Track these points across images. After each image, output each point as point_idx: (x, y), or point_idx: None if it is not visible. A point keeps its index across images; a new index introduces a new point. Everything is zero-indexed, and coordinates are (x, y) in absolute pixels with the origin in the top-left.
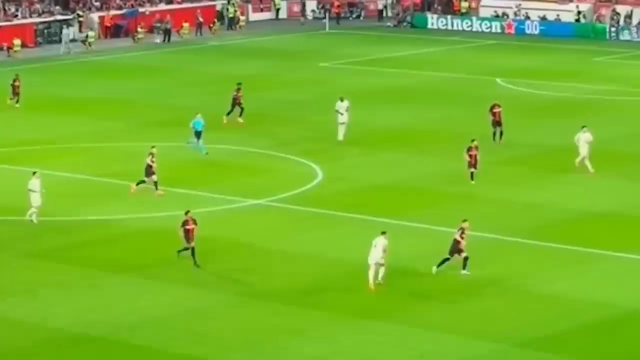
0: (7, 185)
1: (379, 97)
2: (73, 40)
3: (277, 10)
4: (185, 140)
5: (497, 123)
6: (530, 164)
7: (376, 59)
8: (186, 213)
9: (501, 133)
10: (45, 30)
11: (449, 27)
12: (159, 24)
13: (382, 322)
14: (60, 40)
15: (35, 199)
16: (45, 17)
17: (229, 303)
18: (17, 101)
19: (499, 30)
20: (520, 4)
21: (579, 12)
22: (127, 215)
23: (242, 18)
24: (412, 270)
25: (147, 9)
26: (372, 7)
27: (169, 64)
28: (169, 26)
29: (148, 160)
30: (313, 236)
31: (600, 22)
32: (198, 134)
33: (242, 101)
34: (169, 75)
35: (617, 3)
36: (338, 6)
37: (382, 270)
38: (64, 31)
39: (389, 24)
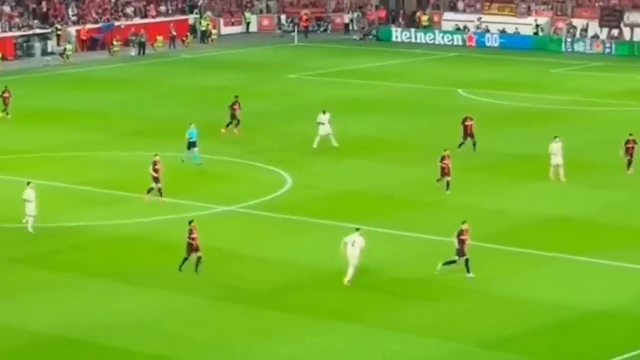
0: None
1: (346, 108)
2: (51, 53)
3: (248, 24)
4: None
5: (469, 135)
6: (492, 172)
7: (343, 71)
8: (190, 222)
9: (474, 144)
10: (25, 44)
11: (413, 40)
12: (134, 38)
13: (351, 324)
14: (41, 53)
15: (30, 208)
16: (24, 31)
17: (202, 306)
18: (7, 113)
19: (460, 43)
20: (481, 18)
21: (537, 26)
22: (104, 221)
23: (214, 32)
24: (379, 273)
25: (122, 23)
26: (338, 20)
27: (144, 76)
28: (143, 39)
29: (150, 170)
30: (283, 241)
31: (557, 35)
32: (192, 144)
33: (238, 113)
34: (144, 87)
35: (573, 17)
36: (306, 20)
37: (351, 271)
38: (36, 44)
39: (355, 37)
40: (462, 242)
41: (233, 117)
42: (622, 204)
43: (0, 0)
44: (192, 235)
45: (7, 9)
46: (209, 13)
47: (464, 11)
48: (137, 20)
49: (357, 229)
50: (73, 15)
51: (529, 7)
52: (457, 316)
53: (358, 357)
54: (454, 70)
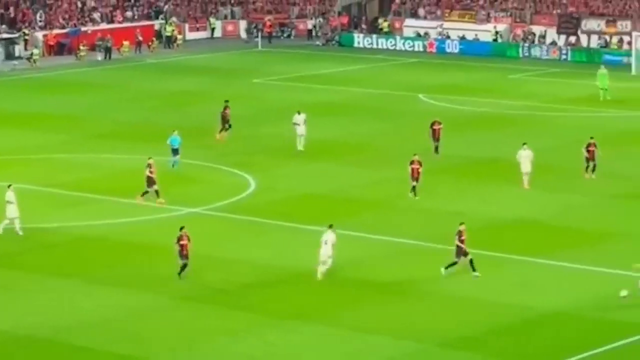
0: None
1: (309, 112)
2: (18, 58)
3: (212, 29)
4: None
5: (436, 139)
6: (453, 175)
7: (306, 76)
8: (181, 229)
9: (437, 147)
10: None
11: (375, 46)
12: (100, 42)
13: (312, 324)
14: (7, 58)
15: (11, 210)
16: None
17: (166, 305)
18: None
19: (421, 49)
20: (443, 24)
21: (496, 32)
22: (71, 223)
23: (179, 37)
24: (340, 274)
25: (89, 28)
26: (302, 26)
27: (110, 80)
28: (109, 44)
29: (147, 172)
30: (245, 243)
31: (515, 41)
32: (175, 151)
33: (229, 118)
34: (111, 91)
35: (532, 24)
36: (270, 26)
37: (324, 269)
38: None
39: (317, 42)
40: (462, 242)
41: (225, 122)
42: (579, 207)
43: None
44: (182, 242)
45: None
46: (174, 19)
47: (425, 18)
48: (104, 26)
49: (330, 226)
50: (40, 21)
51: (488, 14)
52: (417, 316)
53: (319, 356)
54: (414, 75)
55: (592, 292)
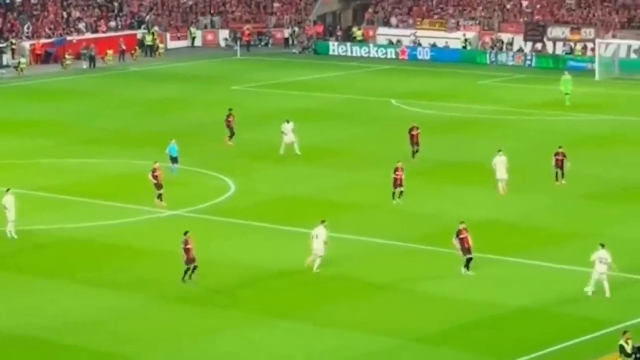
0: None
1: (288, 117)
2: (6, 66)
3: (193, 38)
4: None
5: (415, 143)
6: (424, 177)
7: (283, 83)
8: (185, 234)
9: (416, 152)
10: None
11: (349, 54)
12: (85, 51)
13: (291, 321)
14: None
15: (10, 214)
16: None
17: (151, 305)
18: None
19: (393, 56)
20: (416, 32)
21: (465, 40)
22: (57, 225)
23: (161, 46)
24: (319, 274)
25: (74, 37)
26: (279, 35)
27: (95, 88)
28: (93, 53)
29: (150, 176)
30: (226, 243)
31: (484, 48)
32: (174, 159)
33: (233, 125)
34: (95, 98)
35: (499, 31)
36: (248, 35)
37: (318, 261)
38: None
39: (294, 50)
40: (462, 240)
41: (229, 128)
42: (546, 208)
43: None
44: (187, 246)
45: None
46: (156, 28)
47: (397, 26)
48: (88, 35)
49: (323, 221)
50: (27, 30)
51: (457, 23)
52: (392, 313)
53: (299, 352)
54: (387, 81)
55: (558, 289)
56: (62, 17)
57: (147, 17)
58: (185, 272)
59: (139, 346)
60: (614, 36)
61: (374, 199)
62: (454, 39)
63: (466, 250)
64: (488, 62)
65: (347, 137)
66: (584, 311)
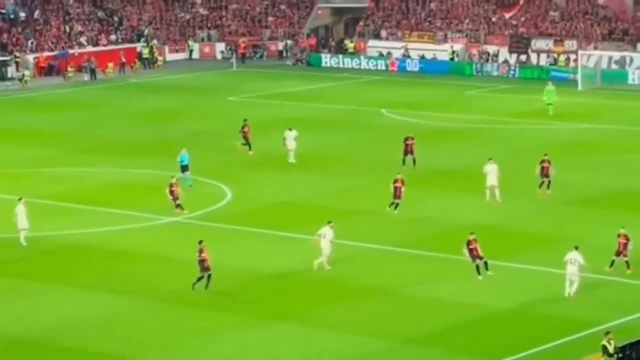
0: None
1: (281, 126)
2: (10, 79)
3: (191, 51)
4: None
5: (409, 152)
6: (414, 184)
7: (277, 93)
8: (200, 242)
9: (414, 160)
10: None
11: (341, 65)
12: (86, 64)
13: (286, 324)
14: (1, 79)
15: (22, 222)
16: None
17: (149, 308)
18: None
19: (383, 68)
20: (407, 45)
21: (453, 52)
22: (59, 231)
23: (160, 58)
24: (311, 277)
25: (76, 50)
26: (273, 48)
27: (96, 99)
28: (94, 66)
29: (167, 190)
30: (223, 248)
31: (471, 60)
32: (184, 167)
33: (249, 135)
34: (96, 109)
35: (485, 44)
36: (244, 47)
37: (322, 259)
38: None
39: (288, 62)
40: (471, 250)
41: (245, 139)
42: (531, 213)
43: None
44: (202, 255)
45: None
46: (155, 41)
47: (387, 39)
48: (90, 48)
49: (329, 222)
50: (31, 44)
51: (445, 35)
52: (382, 315)
53: (293, 353)
54: (378, 92)
55: (543, 292)
56: (65, 31)
57: (146, 30)
58: (199, 279)
59: (137, 348)
60: (595, 48)
61: (366, 205)
62: (442, 51)
63: (476, 257)
64: (475, 73)
65: (339, 146)
66: (567, 313)
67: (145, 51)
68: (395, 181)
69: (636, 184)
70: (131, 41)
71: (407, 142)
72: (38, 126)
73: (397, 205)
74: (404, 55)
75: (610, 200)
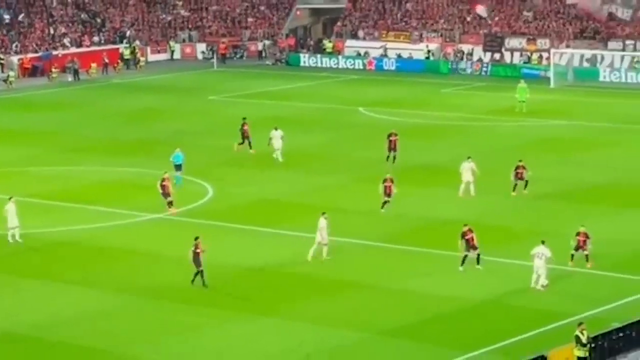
0: None
1: (262, 124)
2: None
3: (172, 52)
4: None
5: (392, 148)
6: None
7: (257, 93)
8: (196, 239)
9: (394, 157)
10: None
11: (319, 65)
12: (69, 65)
13: (267, 317)
14: None
15: (13, 220)
16: None
17: (134, 303)
18: None
19: (361, 67)
20: (386, 44)
21: (428, 51)
22: (45, 229)
23: (142, 59)
24: (291, 271)
25: (60, 52)
26: (253, 48)
27: (79, 99)
28: (77, 66)
29: (158, 186)
30: (206, 244)
31: (446, 59)
32: (178, 167)
33: (249, 134)
34: (80, 109)
35: (460, 43)
36: (224, 48)
37: (325, 249)
38: None
39: (267, 62)
40: (467, 241)
41: (246, 137)
42: (506, 208)
43: None
44: (197, 250)
45: None
46: (137, 42)
47: (364, 39)
48: (73, 50)
49: (323, 213)
50: (15, 46)
51: (421, 35)
52: (360, 308)
53: (274, 346)
54: (355, 91)
55: (517, 284)
56: (49, 33)
57: (129, 32)
58: (196, 274)
59: (124, 341)
60: (567, 46)
61: (345, 201)
62: (418, 50)
63: (471, 247)
64: (450, 71)
65: (318, 144)
66: (540, 305)
67: (127, 52)
68: (385, 180)
69: (607, 178)
70: (114, 42)
71: (391, 139)
72: (23, 126)
73: (385, 203)
74: (382, 55)
75: (582, 195)
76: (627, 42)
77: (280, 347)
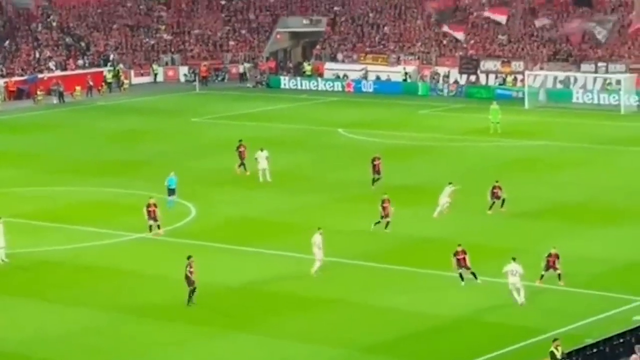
0: None
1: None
2: None
3: (155, 75)
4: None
5: (377, 172)
6: (369, 200)
7: (239, 114)
8: (188, 258)
9: (378, 180)
10: None
11: (299, 87)
12: (54, 88)
13: (249, 334)
14: None
15: (0, 241)
16: None
17: (117, 321)
18: None
19: (340, 89)
20: (367, 67)
21: (405, 73)
22: (30, 248)
23: (126, 82)
24: (271, 289)
25: (45, 75)
26: (234, 70)
27: (64, 121)
28: (62, 89)
29: (144, 211)
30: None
31: (423, 81)
32: (172, 191)
33: (245, 156)
34: (65, 130)
35: (437, 65)
36: (206, 70)
37: (317, 264)
38: None
39: (248, 85)
40: (458, 260)
41: (241, 158)
42: (480, 226)
43: None
44: (190, 270)
45: None
46: (121, 65)
47: (343, 61)
48: (58, 73)
49: (319, 229)
50: (0, 70)
51: (398, 58)
52: (339, 325)
53: None
54: (335, 112)
55: (492, 301)
56: (34, 56)
57: (112, 55)
58: (191, 293)
59: (109, 358)
60: (541, 68)
61: (324, 221)
62: (395, 73)
63: (464, 267)
64: (427, 93)
65: (298, 164)
66: (515, 321)
67: (109, 75)
68: (383, 202)
69: (580, 197)
70: (98, 65)
71: (375, 162)
72: (9, 148)
73: (387, 223)
74: (362, 77)
75: (556, 213)
76: (600, 64)
77: None
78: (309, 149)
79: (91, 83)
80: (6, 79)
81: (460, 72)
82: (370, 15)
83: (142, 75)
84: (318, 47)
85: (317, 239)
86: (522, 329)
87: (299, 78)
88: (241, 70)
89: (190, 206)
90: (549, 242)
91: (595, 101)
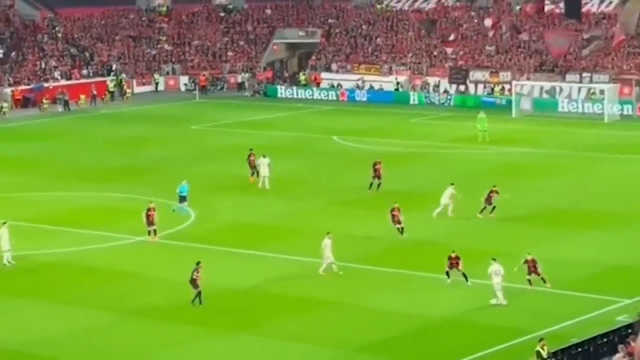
0: None
1: (241, 152)
2: None
3: (157, 84)
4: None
5: (377, 176)
6: (364, 205)
7: (237, 122)
8: (197, 264)
9: (379, 184)
10: None
11: (295, 96)
12: (60, 96)
13: (247, 335)
14: None
15: (5, 244)
16: None
17: (119, 322)
18: None
19: (334, 98)
20: (362, 77)
21: (397, 83)
22: (34, 251)
23: (128, 91)
24: (270, 291)
25: (50, 84)
26: (232, 80)
27: (69, 129)
28: (67, 98)
29: (143, 215)
30: (188, 265)
31: (414, 90)
32: (183, 198)
33: (255, 165)
34: (70, 138)
35: (427, 75)
36: (205, 80)
37: (324, 265)
38: None
39: (246, 94)
40: (451, 264)
41: (252, 167)
42: (470, 230)
43: None
44: (197, 274)
45: None
46: (124, 75)
47: (337, 71)
48: (63, 82)
49: (328, 233)
50: (8, 78)
51: (390, 68)
52: (333, 326)
53: None
54: (329, 120)
55: (479, 301)
56: (40, 66)
57: (115, 65)
58: (197, 295)
59: (111, 358)
60: (528, 78)
61: (320, 225)
62: (388, 82)
63: (456, 269)
64: (418, 102)
65: (294, 170)
66: (503, 322)
67: (111, 85)
68: (393, 210)
69: (565, 202)
70: (102, 75)
71: (376, 167)
72: (16, 154)
73: (402, 229)
74: (357, 86)
75: (542, 218)
76: (584, 74)
77: None
78: (305, 156)
79: (95, 92)
80: (13, 88)
81: (450, 82)
82: (364, 27)
83: (143, 84)
84: (313, 57)
85: (326, 242)
86: (510, 330)
87: (294, 87)
88: (239, 79)
89: (190, 210)
90: (535, 246)
91: (580, 110)
